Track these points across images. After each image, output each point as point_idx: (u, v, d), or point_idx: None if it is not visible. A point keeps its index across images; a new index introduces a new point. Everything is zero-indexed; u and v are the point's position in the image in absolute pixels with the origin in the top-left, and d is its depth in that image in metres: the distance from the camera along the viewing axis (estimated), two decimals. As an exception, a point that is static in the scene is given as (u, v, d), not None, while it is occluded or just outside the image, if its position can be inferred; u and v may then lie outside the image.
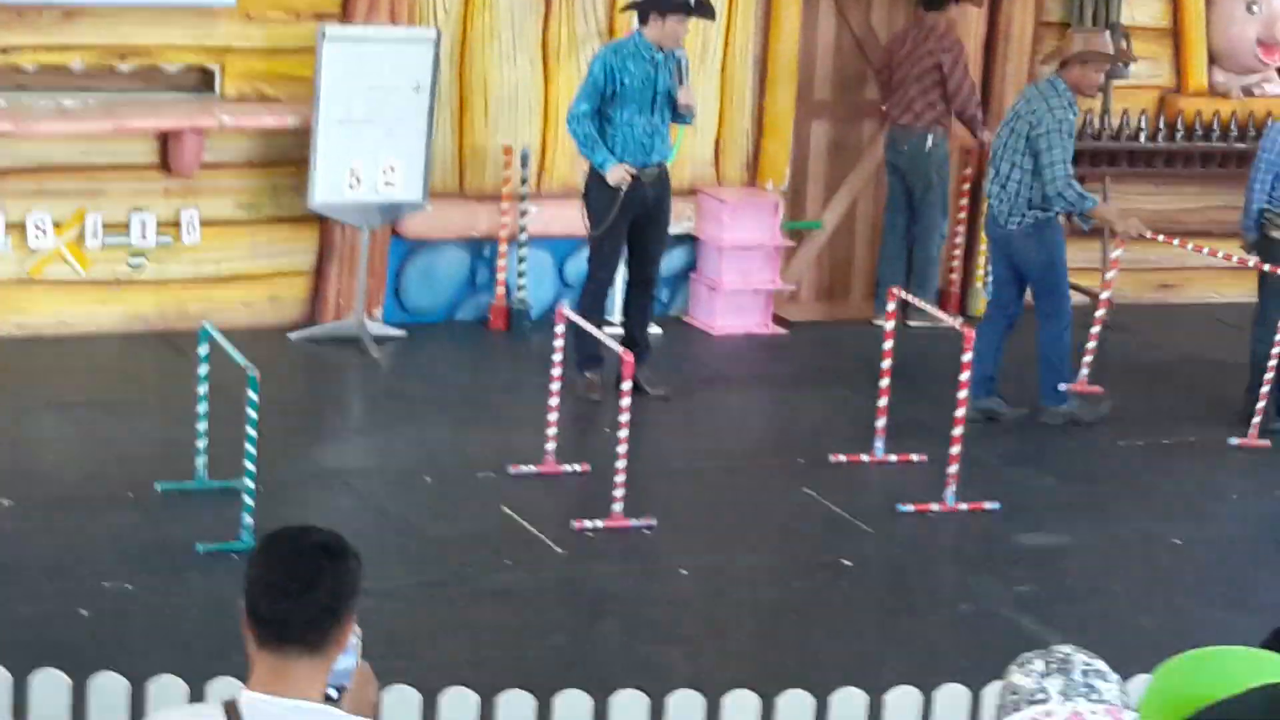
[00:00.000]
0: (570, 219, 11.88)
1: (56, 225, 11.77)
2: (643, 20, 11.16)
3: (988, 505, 10.09)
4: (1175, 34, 13.81)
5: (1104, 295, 12.06)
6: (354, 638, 4.42)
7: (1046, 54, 12.37)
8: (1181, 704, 2.70)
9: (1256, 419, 11.26)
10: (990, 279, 12.64)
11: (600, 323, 11.10)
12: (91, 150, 11.74)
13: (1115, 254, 12.02)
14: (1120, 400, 11.86)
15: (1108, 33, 12.64)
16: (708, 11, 11.33)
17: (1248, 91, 13.76)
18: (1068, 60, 11.52)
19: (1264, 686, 2.55)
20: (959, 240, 13.56)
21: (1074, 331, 11.68)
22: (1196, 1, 13.72)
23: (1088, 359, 11.51)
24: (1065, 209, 11.50)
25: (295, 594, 4.25)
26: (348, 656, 4.42)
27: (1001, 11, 13.35)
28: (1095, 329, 11.53)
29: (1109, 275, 12.02)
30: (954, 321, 10.89)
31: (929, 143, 12.89)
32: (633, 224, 11.27)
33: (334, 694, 4.47)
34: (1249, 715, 2.47)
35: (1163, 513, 10.54)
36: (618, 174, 11.02)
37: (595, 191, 11.31)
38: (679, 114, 11.30)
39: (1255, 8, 13.56)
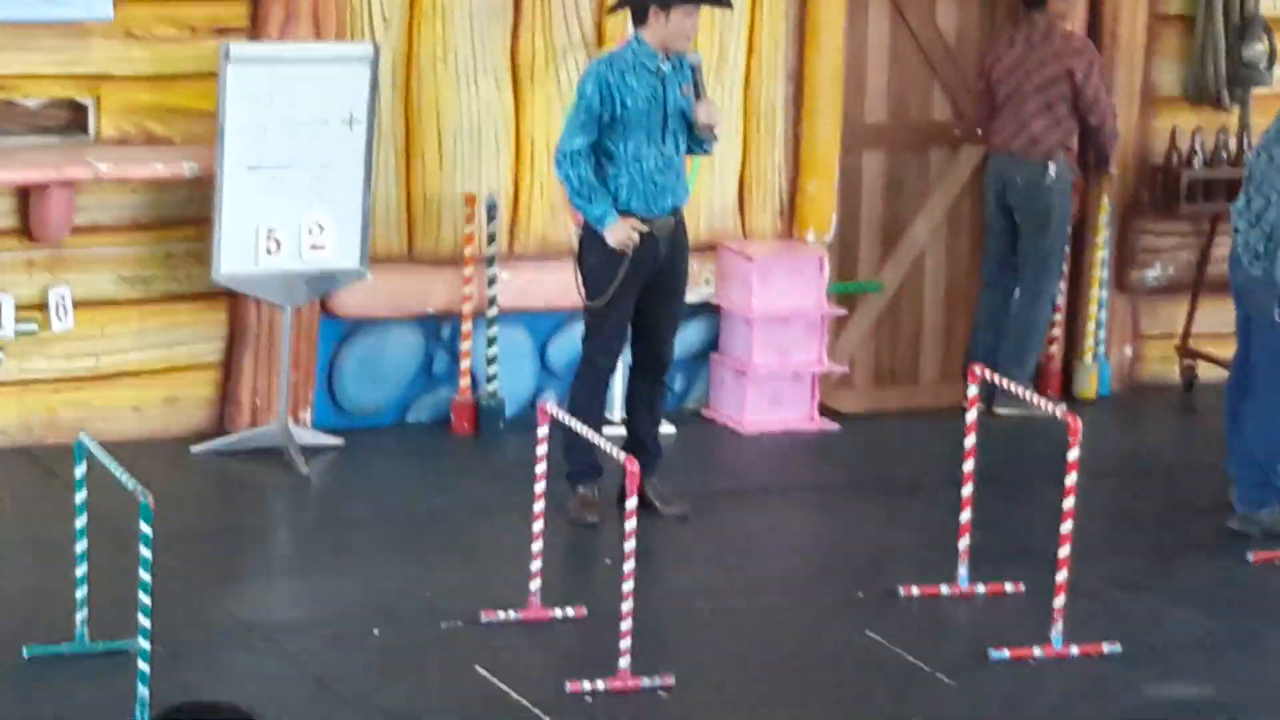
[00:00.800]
0: (554, 286, 10.85)
1: None
2: (639, 20, 10.00)
3: (1106, 648, 9.00)
4: None
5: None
6: None
7: None
8: None
9: None
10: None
11: (598, 422, 9.90)
12: None
13: None
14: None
15: None
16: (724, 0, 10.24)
17: None
18: None
19: None
20: (1059, 301, 12.28)
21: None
22: None
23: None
24: None
25: None
26: None
27: (1106, 4, 12.19)
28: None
29: None
30: (1056, 409, 9.58)
31: (1051, 173, 11.77)
32: (641, 292, 10.03)
33: None
34: None
35: None
36: (621, 234, 9.82)
37: (593, 251, 10.07)
38: (698, 138, 10.03)
39: None
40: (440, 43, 11.06)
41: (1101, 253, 12.14)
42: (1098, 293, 12.12)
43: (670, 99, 9.77)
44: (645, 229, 9.69)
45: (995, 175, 11.72)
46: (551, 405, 9.10)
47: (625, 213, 9.75)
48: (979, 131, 11.89)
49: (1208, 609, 9.57)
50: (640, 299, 9.81)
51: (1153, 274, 12.49)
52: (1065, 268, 12.24)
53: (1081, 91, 11.57)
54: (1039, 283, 11.92)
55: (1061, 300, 12.11)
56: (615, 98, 9.75)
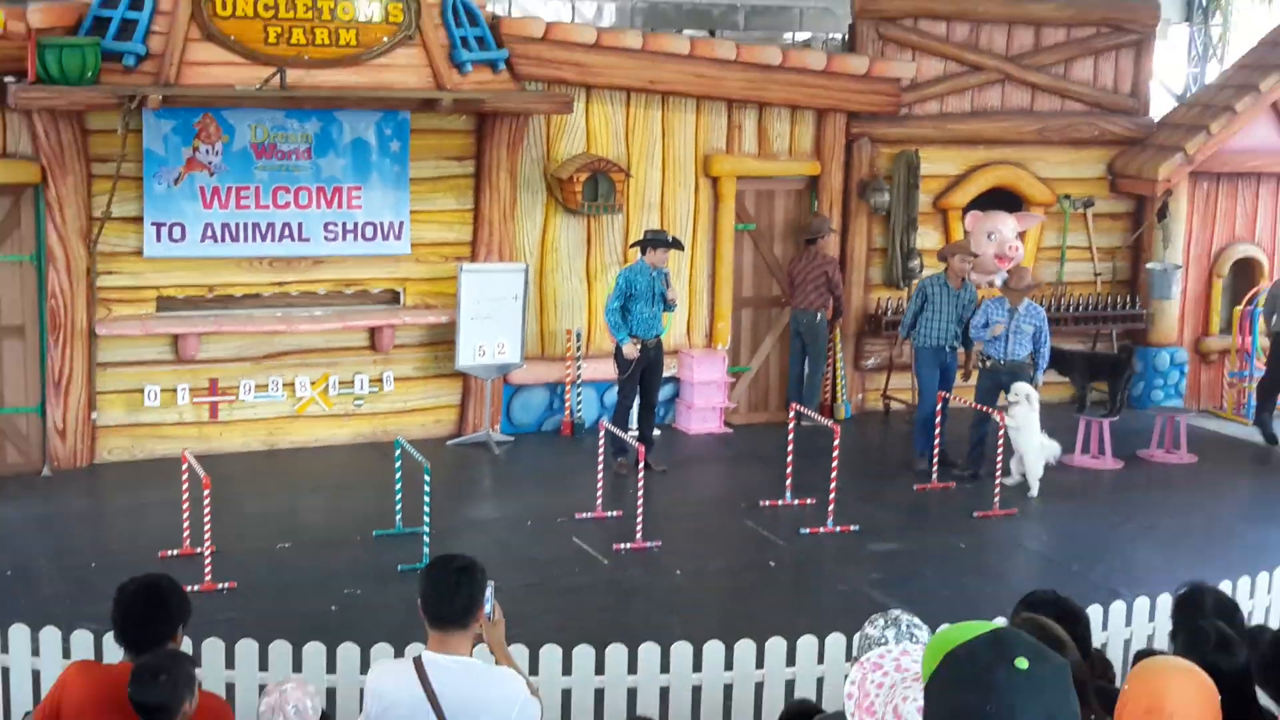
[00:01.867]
0: (606, 370, 12.57)
1: (312, 383, 12.38)
2: (643, 252, 11.79)
3: (853, 527, 10.63)
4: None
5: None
6: (491, 593, 4.70)
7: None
8: (946, 644, 2.42)
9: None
10: None
11: (625, 429, 11.59)
12: (331, 340, 12.39)
13: None
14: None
15: None
16: (678, 245, 11.89)
17: (990, 284, 13.80)
18: None
19: (992, 629, 2.39)
20: (826, 373, 13.83)
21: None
22: (958, 233, 13.97)
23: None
24: None
25: (449, 595, 4.51)
26: (488, 602, 4.67)
27: (848, 242, 13.99)
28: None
29: None
30: (828, 422, 11.15)
31: (818, 318, 13.26)
32: (643, 373, 11.85)
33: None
34: (980, 646, 2.28)
35: (954, 530, 10.82)
36: (630, 349, 11.69)
37: (619, 354, 11.83)
38: (667, 304, 11.79)
39: (992, 236, 13.92)
40: (555, 261, 12.93)
41: (841, 352, 13.82)
42: (844, 369, 13.90)
43: (655, 287, 11.65)
44: (641, 345, 11.61)
45: (794, 319, 13.35)
46: (605, 423, 11.29)
47: (634, 336, 11.62)
48: (787, 300, 13.44)
49: (901, 510, 11.28)
50: (643, 377, 11.84)
51: (869, 362, 14.10)
52: (828, 359, 13.61)
53: (832, 280, 13.14)
54: (817, 366, 13.31)
55: (828, 373, 13.68)
56: (631, 285, 11.65)
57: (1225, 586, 6.78)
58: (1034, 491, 11.61)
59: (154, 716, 4.48)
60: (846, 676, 2.91)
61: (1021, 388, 11.57)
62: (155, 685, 4.48)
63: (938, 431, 11.88)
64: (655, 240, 11.68)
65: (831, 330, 13.76)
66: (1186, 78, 20.29)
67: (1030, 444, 11.60)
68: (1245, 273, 14.88)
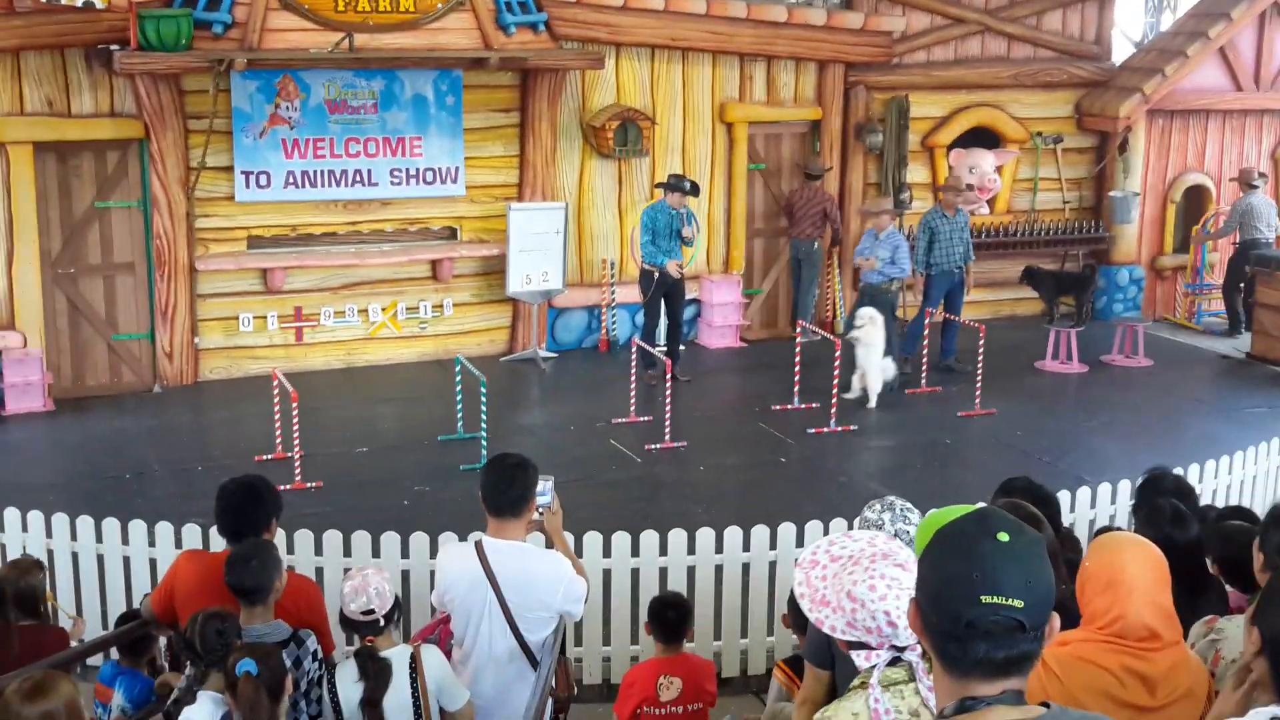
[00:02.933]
0: (635, 294, 12.42)
1: (382, 309, 12.44)
2: (665, 193, 11.78)
3: (852, 428, 10.76)
4: (934, 185, 13.85)
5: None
6: (550, 487, 4.78)
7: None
8: (936, 523, 2.43)
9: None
10: None
11: (653, 344, 11.65)
12: (398, 271, 12.43)
13: None
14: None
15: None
16: (694, 191, 11.81)
17: (972, 213, 13.60)
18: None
19: (976, 509, 2.39)
20: (828, 294, 13.92)
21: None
22: (944, 168, 14.02)
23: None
24: None
25: (504, 489, 4.62)
26: (545, 495, 4.76)
27: (846, 178, 13.88)
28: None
29: None
30: (830, 337, 11.45)
31: (814, 246, 13.22)
32: (666, 297, 11.88)
33: (540, 512, 4.78)
34: (966, 523, 2.28)
35: (941, 428, 10.82)
36: (674, 268, 11.66)
37: (643, 280, 11.92)
38: (684, 240, 11.81)
39: (973, 170, 13.84)
40: (590, 199, 12.90)
41: (840, 275, 13.69)
42: (842, 290, 13.73)
43: (674, 224, 11.63)
44: (661, 271, 11.56)
45: (794, 247, 13.26)
46: (637, 338, 11.47)
47: (653, 265, 11.63)
48: (788, 229, 13.32)
49: (894, 411, 11.08)
50: (666, 298, 11.79)
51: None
52: (827, 281, 13.67)
53: (830, 214, 13.08)
54: (810, 287, 13.15)
55: (829, 293, 13.72)
56: (653, 222, 11.67)
57: (1179, 472, 6.77)
58: (872, 403, 11.30)
59: (249, 596, 4.52)
60: (794, 580, 2.87)
61: (866, 312, 11.26)
62: (248, 569, 4.52)
63: (927, 342, 11.93)
64: (674, 185, 11.65)
65: (829, 257, 13.75)
66: (1144, 26, 19.62)
67: (872, 362, 11.28)
68: (1196, 198, 14.82)
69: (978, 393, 11.30)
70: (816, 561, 2.78)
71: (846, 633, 2.71)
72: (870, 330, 11.25)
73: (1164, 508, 4.54)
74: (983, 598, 2.20)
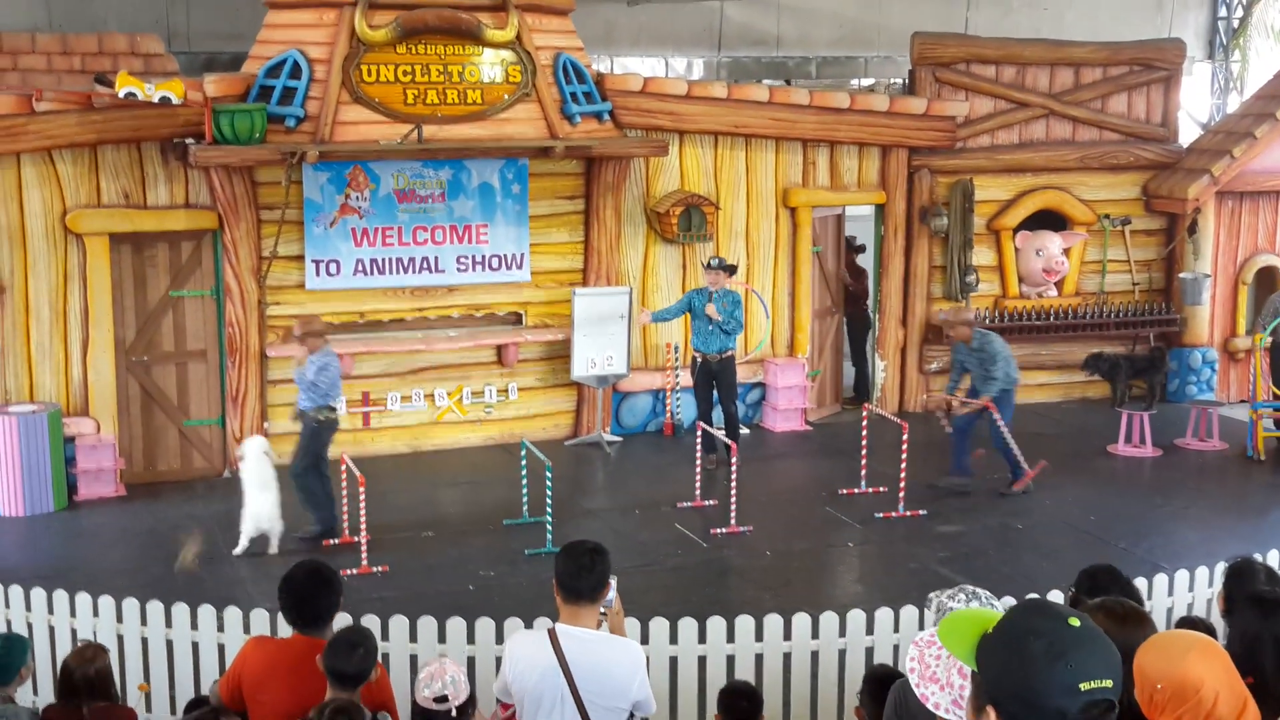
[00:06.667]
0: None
1: (448, 394, 12.48)
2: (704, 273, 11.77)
3: (921, 512, 10.62)
4: (1001, 269, 14.13)
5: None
6: (614, 585, 4.67)
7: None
8: (968, 627, 2.42)
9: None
10: None
11: (711, 426, 11.28)
12: (464, 356, 12.46)
13: None
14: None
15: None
16: (724, 267, 11.45)
17: (1038, 295, 14.10)
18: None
19: (1024, 603, 2.38)
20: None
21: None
22: (1010, 251, 14.10)
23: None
24: None
25: (582, 575, 4.53)
26: (611, 594, 4.67)
27: (911, 261, 13.86)
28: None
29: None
30: (893, 416, 11.43)
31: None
32: (713, 385, 11.68)
33: (602, 612, 4.65)
34: (1028, 617, 2.27)
35: (1012, 513, 10.75)
36: (642, 317, 11.77)
37: (690, 366, 11.97)
38: (710, 318, 11.41)
39: (1040, 253, 13.94)
40: (654, 282, 12.87)
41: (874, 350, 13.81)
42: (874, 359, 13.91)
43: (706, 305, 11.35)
44: (703, 358, 11.38)
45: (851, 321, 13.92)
46: (700, 423, 11.12)
47: (696, 350, 11.49)
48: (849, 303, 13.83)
49: (964, 495, 10.93)
50: (716, 388, 11.58)
51: (931, 366, 13.85)
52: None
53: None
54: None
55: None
56: (690, 303, 11.58)
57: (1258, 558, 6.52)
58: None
59: (348, 683, 4.51)
60: (908, 655, 2.88)
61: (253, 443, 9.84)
62: (353, 656, 4.51)
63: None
64: (707, 265, 11.63)
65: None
66: (1210, 108, 20.12)
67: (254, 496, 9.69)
68: (1267, 280, 14.57)
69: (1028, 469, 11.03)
70: (933, 641, 2.76)
71: (951, 711, 2.69)
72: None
73: (1269, 599, 4.28)
74: (1081, 685, 2.19)
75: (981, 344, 10.96)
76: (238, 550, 9.63)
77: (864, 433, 11.28)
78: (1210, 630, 4.51)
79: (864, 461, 11.20)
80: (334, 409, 9.99)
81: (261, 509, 9.61)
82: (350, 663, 4.53)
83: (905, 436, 10.73)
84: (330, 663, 4.54)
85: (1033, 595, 4.21)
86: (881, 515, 10.61)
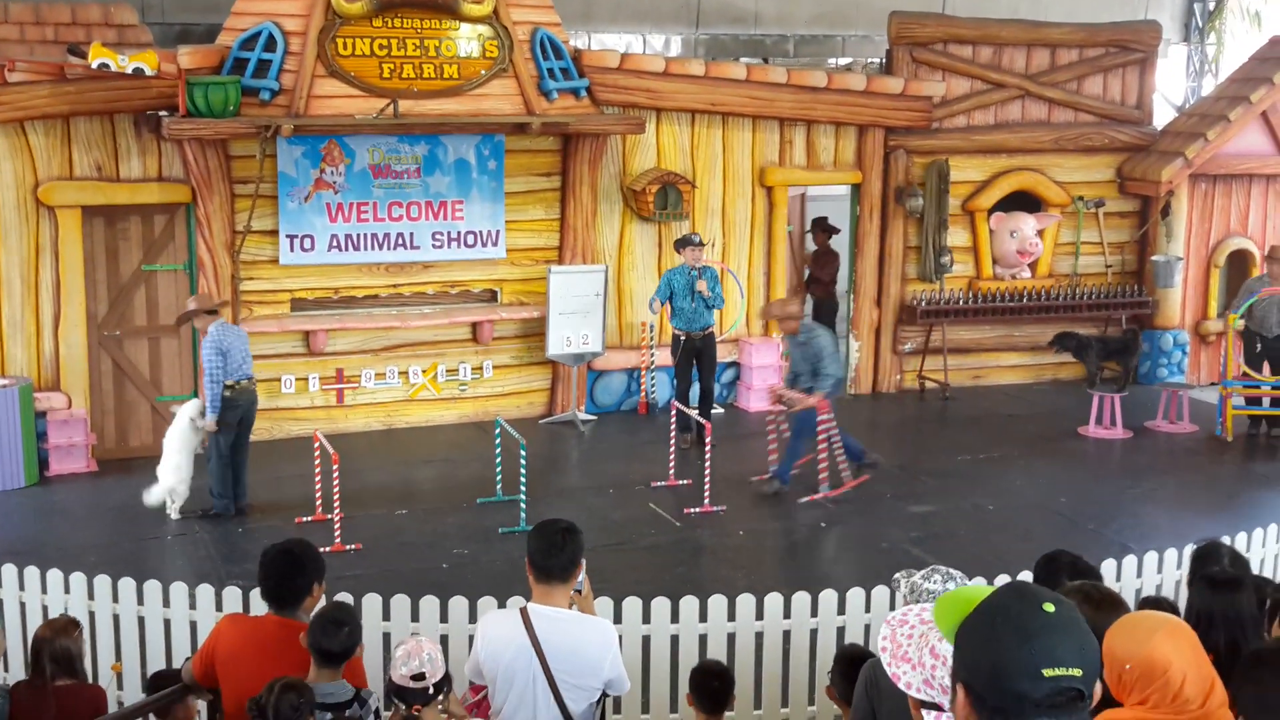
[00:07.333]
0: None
1: (423, 371, 12.43)
2: (678, 252, 11.91)
3: (893, 495, 10.68)
4: (975, 249, 14.20)
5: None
6: (583, 570, 4.65)
7: None
8: (958, 604, 2.44)
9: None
10: None
11: (688, 406, 11.43)
12: (439, 333, 12.45)
13: None
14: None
15: None
16: (691, 241, 11.58)
17: (1012, 277, 14.23)
18: None
19: (1009, 584, 2.34)
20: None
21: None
22: (984, 232, 14.14)
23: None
24: None
25: (554, 554, 4.52)
26: (581, 576, 4.63)
27: (886, 241, 13.99)
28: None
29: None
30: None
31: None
32: (696, 358, 11.83)
33: (576, 590, 4.62)
34: (1006, 599, 2.25)
35: (984, 494, 10.73)
36: (656, 306, 11.80)
37: (672, 344, 12.01)
38: (705, 299, 11.62)
39: (1015, 234, 13.99)
40: (629, 263, 12.90)
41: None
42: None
43: (692, 283, 11.53)
44: (687, 335, 11.55)
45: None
46: (675, 403, 11.27)
47: (678, 329, 11.62)
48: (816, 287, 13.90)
49: (936, 475, 10.93)
50: (697, 364, 11.77)
51: (905, 346, 14.03)
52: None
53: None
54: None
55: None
56: (671, 284, 11.70)
57: (1225, 540, 6.50)
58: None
59: (334, 660, 4.52)
60: (880, 634, 2.88)
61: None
62: (339, 634, 4.52)
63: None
64: (680, 241, 11.76)
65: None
66: (1185, 91, 20.12)
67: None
68: (1239, 263, 14.66)
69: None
70: (905, 620, 2.76)
71: (922, 691, 2.65)
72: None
73: (1220, 579, 4.37)
74: (1045, 671, 2.17)
75: (808, 338, 10.40)
76: (147, 501, 9.79)
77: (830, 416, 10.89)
78: (1175, 610, 4.55)
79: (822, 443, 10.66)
80: (232, 386, 9.75)
81: (168, 473, 9.77)
82: (336, 640, 4.53)
83: (823, 419, 10.37)
84: (315, 641, 4.53)
85: (1003, 576, 4.12)
86: (821, 492, 10.42)
